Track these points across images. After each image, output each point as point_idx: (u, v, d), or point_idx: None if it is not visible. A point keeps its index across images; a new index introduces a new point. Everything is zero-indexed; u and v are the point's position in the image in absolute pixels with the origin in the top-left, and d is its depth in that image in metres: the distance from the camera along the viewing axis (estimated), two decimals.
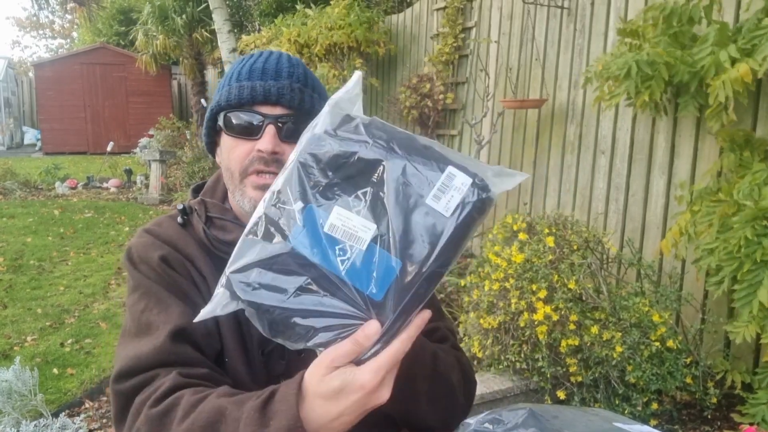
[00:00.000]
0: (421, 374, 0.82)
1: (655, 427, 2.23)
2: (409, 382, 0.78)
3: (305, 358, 0.94)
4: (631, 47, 2.54)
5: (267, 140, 0.88)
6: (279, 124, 0.90)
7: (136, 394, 0.79)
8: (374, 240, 0.62)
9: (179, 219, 0.98)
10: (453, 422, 0.86)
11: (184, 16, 10.59)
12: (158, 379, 0.79)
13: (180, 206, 0.99)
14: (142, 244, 0.94)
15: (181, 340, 0.84)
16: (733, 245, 1.93)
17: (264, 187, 0.89)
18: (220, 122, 0.93)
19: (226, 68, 6.57)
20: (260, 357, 0.93)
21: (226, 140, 0.93)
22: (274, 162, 0.89)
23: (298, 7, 6.27)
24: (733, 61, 2.08)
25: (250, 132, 0.90)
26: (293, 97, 0.90)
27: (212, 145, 1.00)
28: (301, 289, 0.63)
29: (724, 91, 2.05)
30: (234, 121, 0.91)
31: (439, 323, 1.01)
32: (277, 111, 0.90)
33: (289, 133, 0.90)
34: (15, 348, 3.23)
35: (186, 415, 0.73)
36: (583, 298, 2.41)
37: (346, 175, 0.64)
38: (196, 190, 1.04)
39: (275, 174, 0.88)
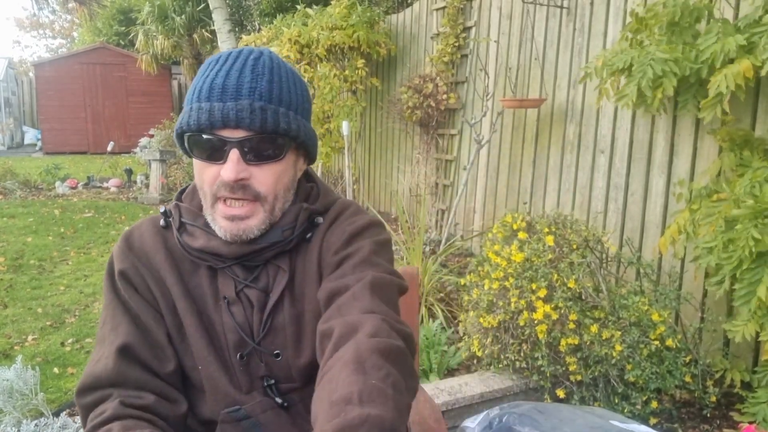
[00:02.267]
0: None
1: (654, 425, 2.24)
2: None
3: (282, 360, 0.94)
4: (632, 43, 2.53)
5: (230, 168, 0.83)
6: (242, 148, 0.84)
7: (91, 411, 0.86)
8: None
9: (162, 222, 0.98)
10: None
11: (183, 16, 10.60)
12: (105, 404, 0.85)
13: (162, 209, 1.00)
14: (116, 253, 0.97)
15: (127, 360, 0.88)
16: (740, 247, 1.92)
17: (233, 218, 0.88)
18: (186, 144, 0.89)
19: None
20: (239, 361, 0.93)
21: (195, 161, 0.90)
22: (240, 189, 0.86)
23: (298, 7, 6.27)
24: (732, 59, 2.07)
25: (214, 156, 0.86)
26: (254, 120, 0.83)
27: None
28: None
29: (725, 82, 2.03)
30: (197, 146, 0.87)
31: (368, 271, 0.87)
32: (239, 134, 0.84)
33: (254, 156, 0.86)
34: (15, 347, 3.23)
35: None
36: (583, 297, 2.41)
37: None
38: (181, 193, 1.03)
39: (243, 200, 0.87)
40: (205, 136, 0.85)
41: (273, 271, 0.94)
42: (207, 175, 0.87)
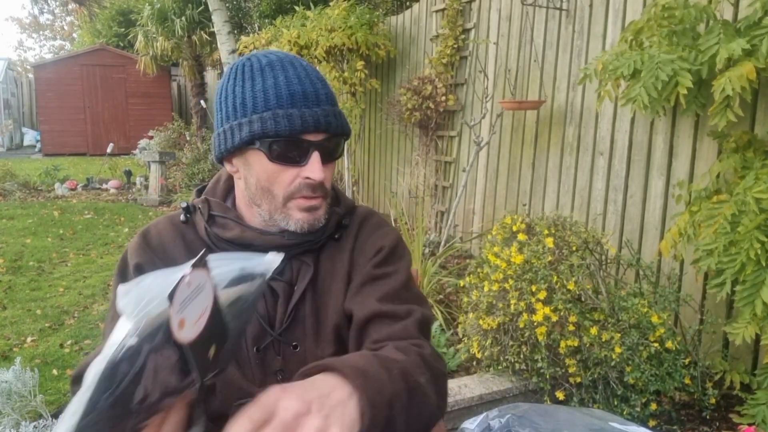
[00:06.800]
0: (398, 405, 0.70)
1: (653, 427, 2.24)
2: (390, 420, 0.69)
3: (301, 352, 0.95)
4: (631, 45, 2.53)
5: (318, 169, 0.90)
6: (321, 150, 0.91)
7: None
8: None
9: (182, 217, 1.01)
10: (431, 426, 0.82)
11: (183, 18, 10.60)
12: None
13: (183, 204, 1.03)
14: (132, 248, 0.98)
15: None
16: (744, 249, 1.91)
17: (311, 209, 0.93)
18: (263, 148, 0.90)
19: (226, 69, 6.56)
20: (255, 354, 0.94)
21: (265, 164, 0.91)
22: (319, 187, 0.92)
23: (297, 8, 6.27)
24: (735, 61, 2.07)
25: (294, 159, 0.91)
26: (337, 124, 0.92)
27: (230, 155, 0.97)
28: None
29: (731, 85, 2.02)
30: (279, 149, 0.90)
31: (415, 306, 0.95)
32: (319, 137, 0.91)
33: (329, 156, 0.93)
34: (14, 349, 3.23)
35: None
36: (582, 299, 2.41)
37: None
38: (200, 191, 1.07)
39: (321, 197, 0.93)
40: (289, 140, 0.90)
41: (297, 265, 0.98)
42: (284, 177, 0.92)
